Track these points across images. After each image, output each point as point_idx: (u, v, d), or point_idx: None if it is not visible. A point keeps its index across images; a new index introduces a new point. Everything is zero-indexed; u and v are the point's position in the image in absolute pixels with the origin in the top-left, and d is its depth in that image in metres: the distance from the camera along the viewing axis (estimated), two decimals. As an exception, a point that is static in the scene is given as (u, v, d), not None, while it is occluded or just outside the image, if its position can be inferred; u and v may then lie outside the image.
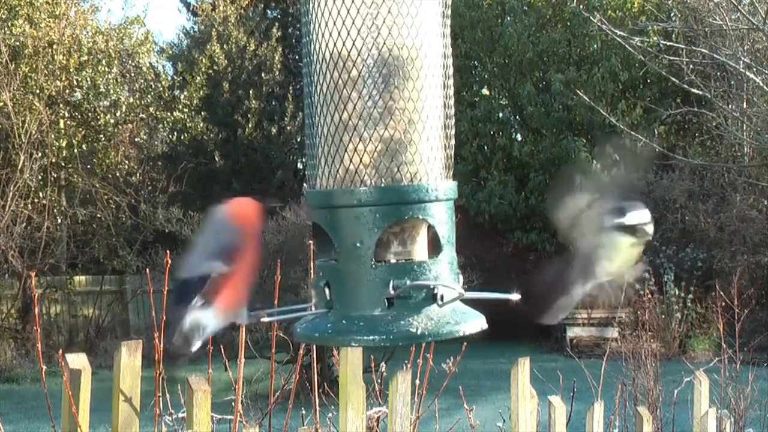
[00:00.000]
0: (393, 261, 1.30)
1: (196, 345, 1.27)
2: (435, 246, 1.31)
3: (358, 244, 1.26)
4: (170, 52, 17.83)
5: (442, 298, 1.26)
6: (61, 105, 13.38)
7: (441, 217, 1.30)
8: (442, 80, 1.34)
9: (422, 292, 1.26)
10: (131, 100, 14.27)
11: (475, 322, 1.29)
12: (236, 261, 1.31)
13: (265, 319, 1.37)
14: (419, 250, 1.32)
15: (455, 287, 1.28)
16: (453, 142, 1.35)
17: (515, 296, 1.42)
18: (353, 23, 1.27)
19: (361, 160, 1.28)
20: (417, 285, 1.25)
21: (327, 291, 1.29)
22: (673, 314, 12.66)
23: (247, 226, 1.35)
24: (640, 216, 1.41)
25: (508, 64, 15.65)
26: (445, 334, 1.26)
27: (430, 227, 1.30)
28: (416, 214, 1.28)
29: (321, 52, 1.31)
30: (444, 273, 1.29)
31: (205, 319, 1.27)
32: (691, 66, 11.32)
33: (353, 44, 1.27)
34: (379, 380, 2.68)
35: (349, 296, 1.28)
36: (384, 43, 1.27)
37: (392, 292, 1.24)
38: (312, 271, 2.20)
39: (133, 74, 14.72)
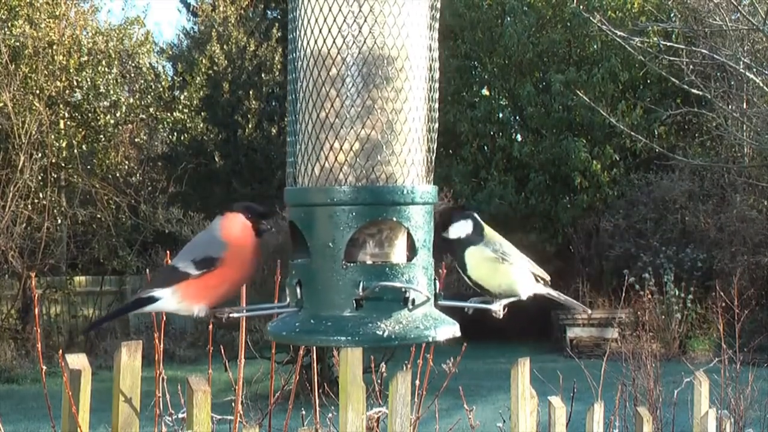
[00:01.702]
0: (368, 262, 1.28)
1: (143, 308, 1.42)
2: (412, 250, 1.30)
3: (330, 244, 1.25)
4: (170, 52, 17.83)
5: (413, 302, 1.25)
6: (61, 105, 13.37)
7: (417, 220, 1.28)
8: (427, 83, 1.32)
9: (393, 295, 1.25)
10: (131, 100, 14.27)
11: (447, 329, 1.27)
12: (211, 269, 1.36)
13: (234, 315, 1.38)
14: (397, 252, 1.31)
15: (423, 291, 1.26)
16: (435, 146, 1.33)
17: (495, 307, 1.41)
18: (335, 21, 1.26)
19: (336, 159, 1.27)
20: (385, 287, 1.24)
21: (298, 290, 1.28)
22: (673, 314, 12.66)
23: (234, 243, 1.39)
24: (460, 229, 1.43)
25: (508, 64, 15.65)
26: (413, 339, 1.24)
27: (406, 230, 1.28)
28: (390, 216, 1.26)
29: (304, 49, 1.30)
30: (418, 277, 1.27)
31: (162, 295, 1.38)
32: (691, 66, 11.31)
33: (334, 42, 1.26)
34: (379, 381, 2.68)
35: (319, 296, 1.27)
36: (365, 42, 1.26)
37: (361, 293, 1.23)
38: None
39: (133, 75, 14.71)
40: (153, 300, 1.38)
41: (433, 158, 1.34)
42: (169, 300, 1.37)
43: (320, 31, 1.27)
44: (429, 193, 1.30)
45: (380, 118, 1.27)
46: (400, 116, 1.28)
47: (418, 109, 1.30)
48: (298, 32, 1.31)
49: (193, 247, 1.44)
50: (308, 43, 1.29)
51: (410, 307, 1.25)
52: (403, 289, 1.24)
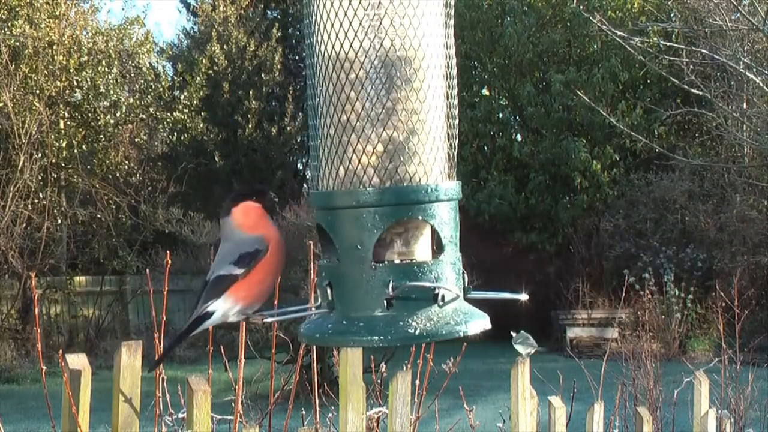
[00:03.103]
0: (395, 261, 1.30)
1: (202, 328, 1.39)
2: (438, 246, 1.32)
3: (357, 246, 1.27)
4: (170, 52, 17.83)
5: (443, 298, 1.27)
6: (61, 105, 13.37)
7: (443, 217, 1.30)
8: (445, 81, 1.34)
9: (422, 293, 1.26)
10: (131, 100, 14.27)
11: (478, 323, 1.29)
12: (252, 265, 1.37)
13: (267, 320, 1.39)
14: (423, 250, 1.33)
15: (453, 289, 1.28)
16: (456, 142, 1.35)
17: (523, 297, 1.44)
18: (351, 25, 1.27)
19: (360, 161, 1.28)
20: (415, 286, 1.26)
21: (329, 291, 1.30)
22: (673, 314, 12.66)
23: (259, 231, 1.40)
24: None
25: (508, 64, 15.65)
26: (444, 335, 1.26)
27: (433, 228, 1.30)
28: (416, 215, 1.28)
29: (322, 53, 1.31)
30: (446, 273, 1.29)
31: (216, 307, 1.37)
32: (691, 66, 11.32)
33: (352, 45, 1.28)
34: (379, 381, 2.68)
35: (349, 297, 1.28)
36: (382, 45, 1.27)
37: (391, 292, 1.25)
38: (312, 271, 2.22)
39: (133, 74, 14.71)
40: (209, 315, 1.36)
41: (455, 155, 1.35)
42: (224, 308, 1.36)
43: (337, 36, 1.28)
44: (453, 190, 1.32)
45: (401, 118, 1.28)
46: (420, 116, 1.29)
47: (437, 107, 1.32)
48: (315, 37, 1.33)
49: (224, 255, 1.41)
50: (326, 47, 1.30)
51: (440, 303, 1.26)
52: (432, 287, 1.26)
